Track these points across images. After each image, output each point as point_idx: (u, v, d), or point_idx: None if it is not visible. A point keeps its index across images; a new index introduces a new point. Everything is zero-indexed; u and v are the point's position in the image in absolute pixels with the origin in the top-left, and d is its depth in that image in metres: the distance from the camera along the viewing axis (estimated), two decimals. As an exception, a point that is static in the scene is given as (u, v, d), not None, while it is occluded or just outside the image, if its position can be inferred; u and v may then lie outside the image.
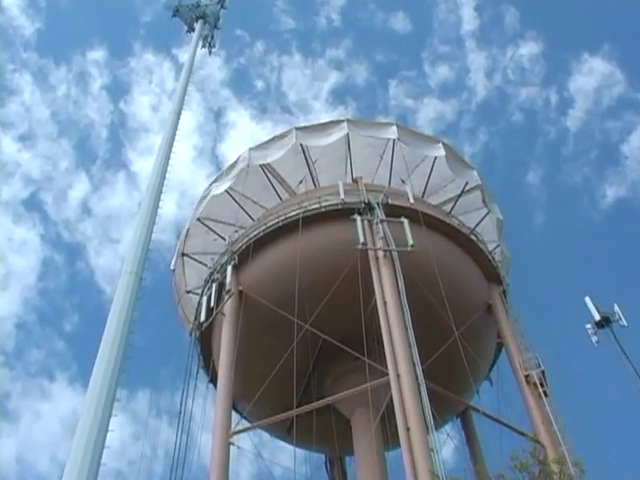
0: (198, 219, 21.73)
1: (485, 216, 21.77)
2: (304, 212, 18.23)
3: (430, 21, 54.39)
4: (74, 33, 53.83)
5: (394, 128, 20.32)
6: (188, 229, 21.77)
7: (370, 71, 56.60)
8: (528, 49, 52.32)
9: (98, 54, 55.65)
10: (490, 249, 20.61)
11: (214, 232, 21.93)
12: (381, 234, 16.94)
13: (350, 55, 57.19)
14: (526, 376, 16.62)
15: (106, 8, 49.57)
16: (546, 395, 16.15)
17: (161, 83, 53.25)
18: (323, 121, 20.98)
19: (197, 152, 55.73)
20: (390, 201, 18.39)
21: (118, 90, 54.74)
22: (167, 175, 16.64)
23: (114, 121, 54.66)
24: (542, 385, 16.27)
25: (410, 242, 16.66)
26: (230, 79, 57.96)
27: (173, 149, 18.28)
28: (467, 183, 21.65)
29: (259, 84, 58.29)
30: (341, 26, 56.05)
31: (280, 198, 21.99)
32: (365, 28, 55.00)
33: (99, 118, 54.15)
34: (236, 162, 21.22)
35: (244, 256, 18.40)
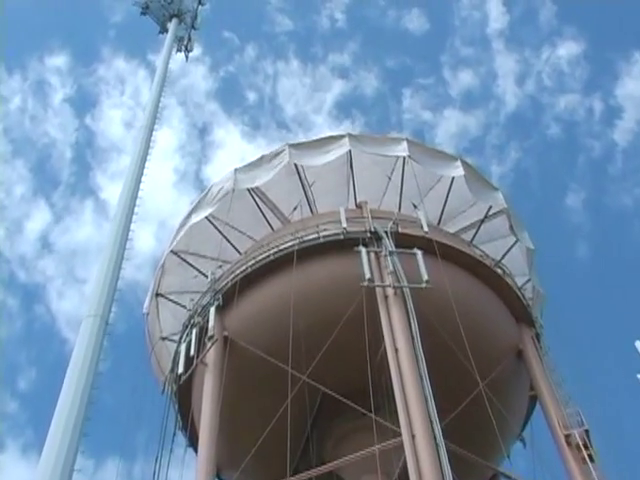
0: (174, 252, 22.02)
1: (513, 245, 22.04)
2: (299, 244, 18.43)
3: (450, 19, 55.64)
4: (30, 35, 55.11)
5: (404, 144, 20.66)
6: (163, 264, 22.01)
7: (380, 79, 57.65)
8: (567, 49, 53.14)
9: (59, 60, 57.03)
10: (519, 284, 20.79)
11: (194, 268, 22.20)
12: (390, 268, 17.09)
13: (357, 61, 58.35)
14: (566, 436, 16.52)
15: (68, 5, 50.85)
16: (591, 459, 16.01)
17: (135, 94, 54.37)
18: (321, 136, 21.40)
19: (178, 176, 56.42)
20: (400, 229, 18.61)
21: (84, 103, 55.83)
22: (139, 202, 17.22)
23: (79, 139, 55.54)
24: (586, 447, 16.15)
25: (425, 277, 16.82)
26: (217, 90, 59.11)
27: (145, 171, 18.77)
28: (491, 207, 21.97)
29: (251, 96, 59.36)
30: (346, 27, 57.39)
31: (271, 227, 22.27)
32: (374, 29, 56.30)
33: (61, 136, 55.06)
34: (219, 185, 21.54)
35: (229, 296, 18.54)
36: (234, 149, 56.91)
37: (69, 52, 55.81)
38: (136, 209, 17.92)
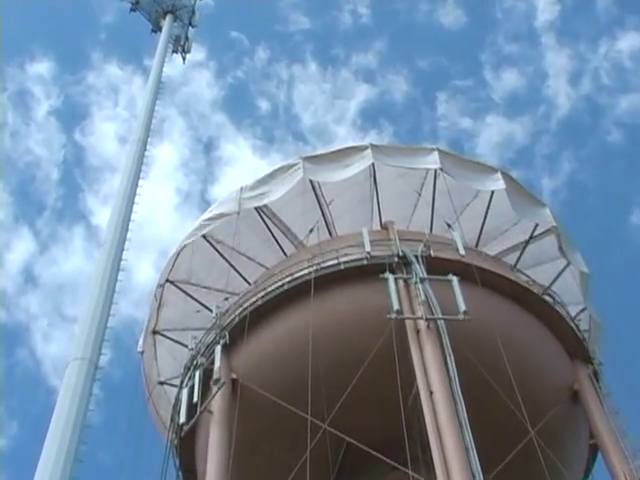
0: (172, 282, 22.22)
1: (564, 269, 21.98)
2: (317, 271, 18.47)
3: (491, 11, 55.67)
4: (8, 38, 56.23)
5: (435, 155, 20.70)
6: (160, 296, 22.20)
7: (411, 83, 57.83)
8: (629, 41, 52.51)
9: (43, 67, 57.92)
10: (573, 314, 20.70)
11: (196, 300, 22.37)
12: (422, 298, 17.08)
13: (384, 62, 58.55)
14: (635, 492, 16.41)
15: (52, 4, 51.74)
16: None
17: (130, 105, 54.87)
18: (339, 147, 21.57)
19: (181, 197, 56.84)
20: (433, 253, 18.62)
21: (72, 115, 56.43)
22: (134, 227, 17.61)
23: (67, 157, 56.11)
24: (657, 505, 16.06)
25: (462, 308, 16.78)
26: (224, 99, 59.60)
27: (139, 191, 19.05)
28: (537, 225, 21.97)
29: (263, 105, 59.71)
30: (371, 23, 57.71)
31: (284, 253, 22.44)
32: (403, 25, 56.56)
33: (47, 154, 55.68)
34: (222, 205, 21.79)
35: (237, 333, 18.58)
36: (244, 166, 57.28)
37: (54, 58, 56.73)
38: (129, 234, 18.24)
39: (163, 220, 52.60)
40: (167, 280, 22.24)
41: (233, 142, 59.78)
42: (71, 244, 55.48)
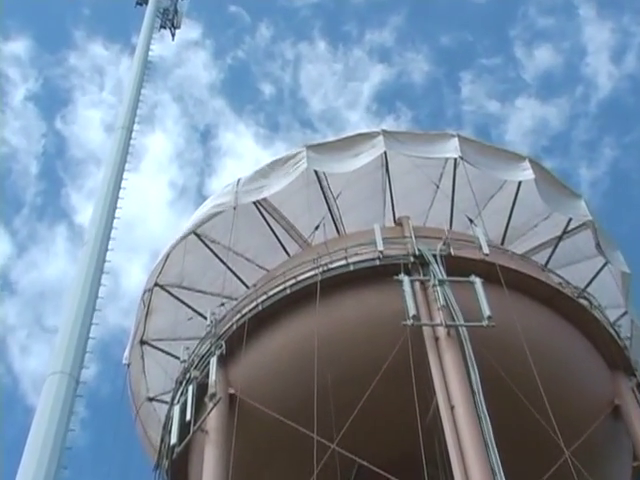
0: (162, 286, 22.31)
1: (601, 269, 21.94)
2: (323, 273, 18.48)
3: (522, -20, 55.15)
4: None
5: (455, 142, 20.64)
6: (149, 302, 22.29)
7: (432, 62, 57.48)
8: (681, 12, 51.73)
9: (19, 46, 57.73)
10: (612, 319, 20.60)
11: (188, 307, 22.48)
12: (441, 302, 17.03)
13: (402, 39, 58.18)
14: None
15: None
16: None
17: (117, 89, 54.26)
18: (347, 134, 21.57)
19: (176, 192, 56.82)
20: (453, 252, 18.57)
21: (52, 101, 56.36)
22: (123, 226, 17.68)
23: (47, 148, 56.04)
24: None
25: (486, 313, 16.72)
26: (223, 82, 59.40)
27: (124, 184, 19.08)
28: (570, 220, 21.95)
29: (266, 88, 59.47)
30: (387, -5, 57.31)
31: (287, 253, 22.51)
32: (423, -4, 56.08)
33: (24, 144, 55.57)
34: (217, 199, 21.87)
35: (235, 342, 18.56)
36: (246, 157, 57.24)
37: (31, 36, 56.68)
38: (114, 233, 18.21)
39: (155, 218, 52.67)
40: (156, 284, 22.26)
41: (233, 130, 59.73)
42: (53, 246, 55.48)
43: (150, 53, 24.25)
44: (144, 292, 22.39)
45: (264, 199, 21.86)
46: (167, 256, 22.23)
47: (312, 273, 18.70)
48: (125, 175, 19.77)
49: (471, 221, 21.37)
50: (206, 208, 22.07)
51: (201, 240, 22.24)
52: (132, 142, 20.88)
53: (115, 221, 18.46)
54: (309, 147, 20.99)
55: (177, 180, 56.98)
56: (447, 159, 21.30)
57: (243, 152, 57.30)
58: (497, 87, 56.54)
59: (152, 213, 54.90)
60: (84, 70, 56.76)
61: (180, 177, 57.30)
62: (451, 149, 20.58)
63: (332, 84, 58.79)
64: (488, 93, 57.09)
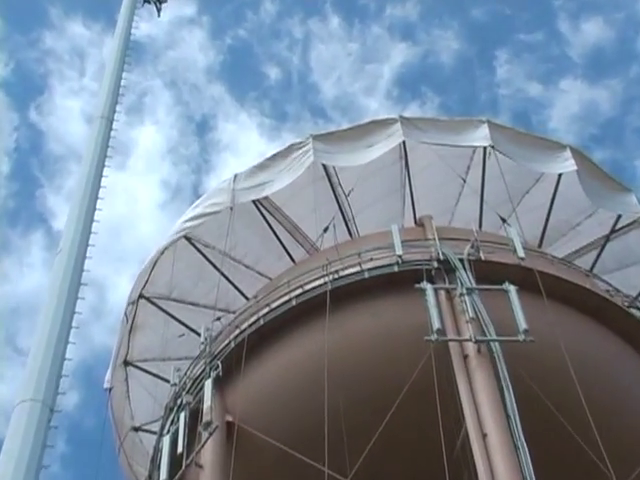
0: (147, 298, 22.39)
1: (656, 274, 21.91)
2: (334, 281, 18.50)
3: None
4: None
5: (485, 129, 20.60)
6: (133, 317, 22.31)
7: (463, 39, 56.98)
8: None
9: (-15, 26, 57.58)
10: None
11: (178, 322, 22.57)
12: (470, 314, 17.01)
13: (428, 14, 57.72)
14: None
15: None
16: None
17: (101, 74, 54.43)
18: (361, 122, 21.53)
19: (169, 192, 56.67)
20: (484, 255, 18.57)
21: (26, 89, 56.20)
22: (95, 228, 17.55)
23: (21, 144, 55.92)
24: None
25: (522, 326, 16.60)
26: (222, 65, 59.23)
27: (103, 182, 19.12)
28: (619, 217, 21.93)
29: (272, 72, 59.25)
30: (410, -37, 56.70)
31: (291, 259, 22.59)
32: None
33: (-6, 139, 55.37)
34: (211, 198, 21.88)
35: (233, 362, 18.51)
36: (249, 151, 57.18)
37: (0, 14, 56.59)
38: (92, 238, 18.19)
39: (146, 223, 52.65)
40: (141, 296, 22.34)
41: (234, 121, 59.61)
42: (27, 256, 55.37)
43: (135, 31, 24.34)
44: (127, 305, 22.41)
45: (265, 198, 21.88)
46: (154, 263, 22.21)
47: (321, 282, 18.69)
48: (105, 172, 19.84)
49: (504, 220, 21.41)
50: (198, 209, 22.04)
51: (193, 245, 22.28)
52: (113, 134, 20.92)
53: (94, 225, 18.50)
54: (316, 137, 20.94)
55: (170, 178, 56.98)
56: (475, 149, 21.27)
57: (246, 146, 57.17)
58: (538, 67, 56.28)
59: (142, 217, 54.88)
60: (62, 53, 56.83)
61: (173, 175, 57.29)
62: (480, 137, 20.52)
63: (347, 66, 58.58)
64: (528, 74, 56.67)
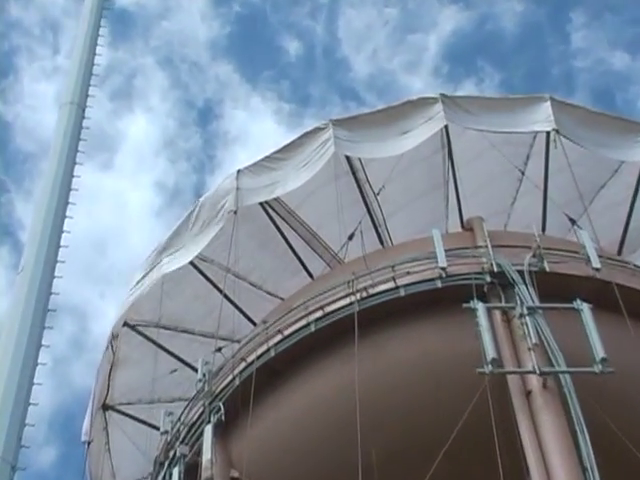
0: (132, 327, 22.54)
1: None
2: (362, 301, 18.49)
3: None
4: None
5: (546, 108, 20.52)
6: (116, 351, 22.35)
7: (529, 0, 56.07)
8: None
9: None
10: None
11: (170, 354, 22.73)
12: (533, 339, 16.89)
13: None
14: None
15: None
16: None
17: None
18: (393, 103, 21.48)
19: (166, 196, 56.55)
20: (549, 266, 18.53)
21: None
22: (65, 241, 17.55)
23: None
24: None
25: (600, 354, 16.49)
26: (229, 39, 58.96)
27: (74, 182, 19.32)
28: None
29: (291, 46, 58.94)
30: None
31: (309, 274, 22.72)
32: None
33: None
34: (212, 201, 21.87)
35: (239, 403, 18.54)
36: (264, 143, 57.20)
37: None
38: (62, 253, 18.24)
39: (138, 234, 52.51)
40: (125, 324, 22.45)
41: (245, 107, 59.52)
42: (-10, 270, 55.55)
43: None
44: (110, 337, 22.50)
45: (276, 199, 21.99)
46: (140, 284, 22.31)
47: (346, 302, 18.65)
48: (78, 171, 19.97)
49: (573, 222, 21.48)
50: (198, 214, 21.93)
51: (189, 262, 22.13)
52: (88, 124, 21.07)
53: (65, 236, 18.57)
54: (337, 122, 20.93)
55: (167, 179, 57.08)
56: (536, 134, 21.27)
57: (259, 137, 56.83)
58: (624, 32, 55.64)
59: (132, 227, 54.83)
60: (30, 26, 56.85)
61: (171, 175, 57.32)
62: (541, 118, 20.46)
63: (384, 37, 58.30)
64: (611, 41, 56.10)
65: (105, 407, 22.35)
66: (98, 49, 22.06)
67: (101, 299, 51.46)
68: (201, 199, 22.45)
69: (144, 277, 22.27)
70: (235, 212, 20.82)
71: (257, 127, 57.50)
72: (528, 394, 16.54)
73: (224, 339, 21.52)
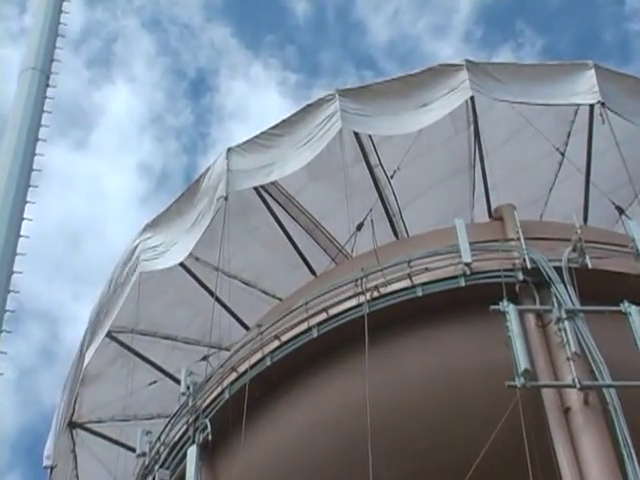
0: (110, 334, 22.41)
1: None
2: (373, 302, 18.45)
3: None
4: None
5: (590, 77, 20.47)
6: (84, 360, 22.26)
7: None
8: None
9: None
10: None
11: (149, 362, 22.84)
12: (573, 348, 16.75)
13: None
14: None
15: None
16: None
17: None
18: (412, 72, 21.28)
19: (151, 180, 56.35)
20: (591, 263, 18.41)
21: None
22: (26, 230, 17.44)
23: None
24: None
25: (655, 367, 16.65)
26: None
27: (36, 163, 19.18)
28: None
29: (298, 6, 58.62)
30: None
31: (310, 269, 22.72)
32: None
33: None
34: (199, 185, 21.97)
35: (229, 421, 18.54)
36: (266, 119, 56.86)
37: None
38: (21, 245, 18.35)
39: (119, 225, 52.38)
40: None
41: (245, 77, 59.54)
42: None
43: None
44: (80, 345, 22.55)
45: (273, 184, 22.00)
46: (114, 284, 22.37)
47: (354, 302, 18.63)
48: (41, 149, 20.05)
49: (621, 211, 21.40)
50: (182, 202, 22.08)
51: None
52: (52, 93, 21.07)
53: (25, 225, 18.68)
54: (344, 93, 20.86)
55: (152, 161, 56.98)
56: (578, 107, 21.21)
57: (261, 112, 56.74)
58: None
59: (112, 216, 54.44)
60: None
61: (158, 156, 57.26)
62: (584, 89, 20.39)
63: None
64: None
65: (72, 425, 22.39)
66: (65, 5, 21.92)
67: (75, 301, 51.33)
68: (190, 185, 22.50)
69: (119, 276, 22.33)
70: (226, 198, 20.72)
71: (258, 101, 57.66)
72: (566, 411, 16.47)
73: (212, 346, 21.55)
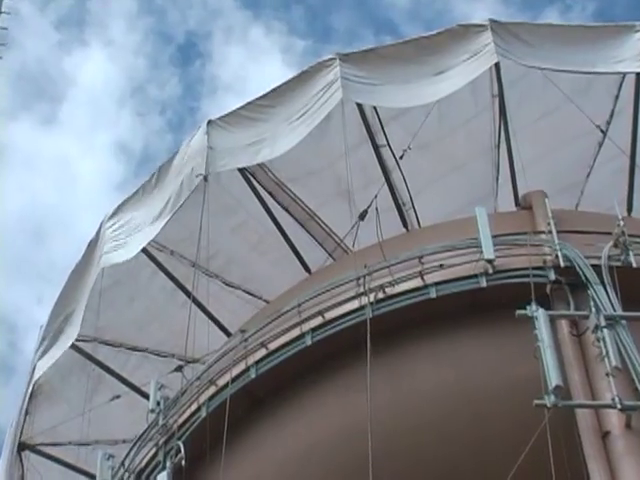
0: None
1: None
2: (377, 304, 18.57)
3: None
4: None
5: (637, 40, 20.58)
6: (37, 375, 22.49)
7: None
8: None
9: None
10: None
11: (114, 375, 23.02)
12: (613, 361, 16.73)
13: None
14: None
15: None
16: None
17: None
18: (425, 34, 21.39)
19: (130, 162, 56.28)
20: (636, 261, 18.46)
21: None
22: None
23: None
24: None
25: None
26: None
27: None
28: None
29: None
30: None
31: (304, 266, 22.93)
32: None
33: None
34: (174, 167, 22.12)
35: (207, 443, 18.46)
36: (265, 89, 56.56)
37: None
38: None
39: (90, 215, 52.41)
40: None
41: (242, 42, 59.42)
42: None
43: None
44: (33, 358, 22.72)
45: (261, 165, 22.08)
46: (73, 283, 22.60)
47: (355, 305, 18.74)
48: None
49: None
50: (154, 184, 22.27)
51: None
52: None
53: None
54: (346, 58, 20.94)
55: (132, 140, 56.94)
56: (624, 77, 21.34)
57: (261, 84, 56.69)
58: None
59: (83, 205, 54.32)
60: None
61: (138, 134, 57.08)
62: (630, 55, 20.50)
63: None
64: None
65: (22, 447, 22.54)
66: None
67: (38, 305, 51.45)
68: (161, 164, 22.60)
69: (80, 274, 22.50)
70: (205, 178, 20.81)
71: (258, 70, 57.66)
72: (605, 435, 16.50)
73: (185, 360, 21.66)
